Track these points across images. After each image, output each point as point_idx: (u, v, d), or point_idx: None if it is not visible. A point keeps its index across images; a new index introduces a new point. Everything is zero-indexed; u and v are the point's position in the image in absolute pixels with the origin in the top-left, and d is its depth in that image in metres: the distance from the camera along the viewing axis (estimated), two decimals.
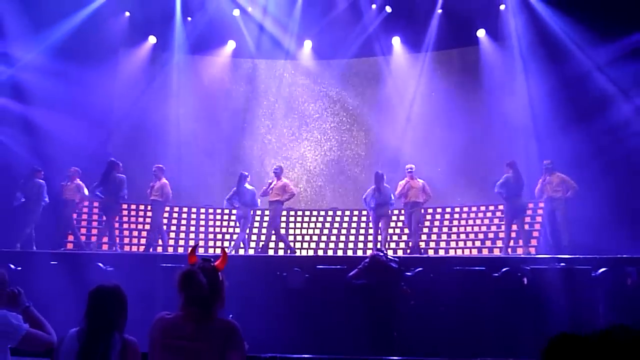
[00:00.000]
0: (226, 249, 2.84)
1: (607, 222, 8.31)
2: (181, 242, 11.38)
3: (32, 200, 9.13)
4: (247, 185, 9.50)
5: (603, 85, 9.74)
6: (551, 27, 10.60)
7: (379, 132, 13.31)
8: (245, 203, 9.42)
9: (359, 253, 10.99)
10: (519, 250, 9.69)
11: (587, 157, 9.07)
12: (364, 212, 12.33)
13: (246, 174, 9.70)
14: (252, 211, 9.97)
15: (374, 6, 12.87)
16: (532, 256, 8.68)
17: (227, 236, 11.79)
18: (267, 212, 11.06)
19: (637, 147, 9.07)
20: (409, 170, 9.51)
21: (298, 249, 11.43)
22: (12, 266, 6.32)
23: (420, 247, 9.95)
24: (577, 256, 7.60)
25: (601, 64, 9.81)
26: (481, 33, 12.55)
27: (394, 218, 11.55)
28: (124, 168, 9.86)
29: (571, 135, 9.28)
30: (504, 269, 6.78)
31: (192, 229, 12.08)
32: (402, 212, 10.23)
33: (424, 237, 11.23)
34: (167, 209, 11.39)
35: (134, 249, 10.48)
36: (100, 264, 6.90)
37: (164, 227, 10.61)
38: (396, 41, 13.36)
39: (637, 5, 8.96)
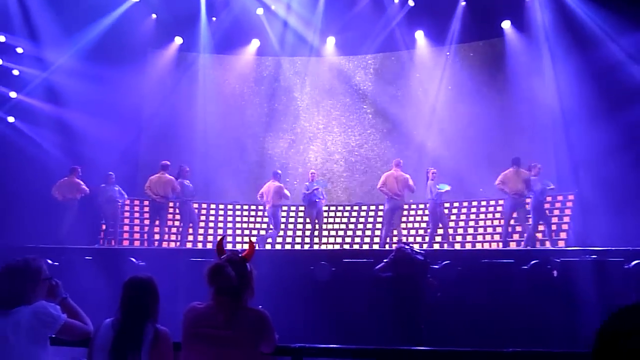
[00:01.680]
0: (253, 241, 2.89)
1: (638, 213, 8.11)
2: (210, 238, 11.56)
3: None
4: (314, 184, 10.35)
5: (635, 75, 9.45)
6: (579, 15, 10.32)
7: (404, 126, 13.23)
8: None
9: (385, 247, 10.97)
10: (547, 244, 9.54)
11: (618, 149, 8.84)
12: None
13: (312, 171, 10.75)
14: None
15: (396, 0, 12.80)
16: (562, 249, 8.54)
17: (255, 232, 11.93)
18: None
19: None
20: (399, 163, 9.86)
21: (324, 243, 11.50)
22: (50, 261, 6.54)
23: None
24: (609, 248, 7.45)
25: (632, 52, 9.52)
26: (506, 24, 12.33)
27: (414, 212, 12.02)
28: (154, 166, 10.11)
29: (601, 127, 9.05)
30: (532, 262, 6.70)
31: (220, 224, 12.27)
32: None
33: (450, 230, 11.14)
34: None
35: (164, 244, 10.71)
36: (132, 259, 7.10)
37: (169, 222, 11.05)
38: (419, 35, 13.26)
39: None
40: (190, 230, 10.26)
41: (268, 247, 9.98)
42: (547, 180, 9.28)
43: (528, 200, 9.25)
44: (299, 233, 11.68)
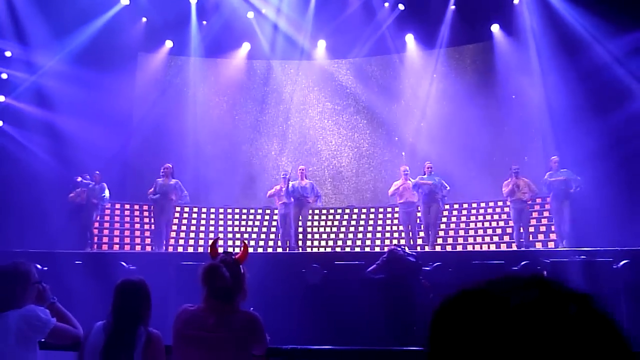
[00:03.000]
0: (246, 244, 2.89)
1: (626, 213, 8.21)
2: (201, 242, 11.52)
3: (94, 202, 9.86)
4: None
5: (621, 77, 9.59)
6: (567, 19, 10.46)
7: (395, 129, 13.29)
8: None
9: (377, 249, 11.01)
10: (538, 245, 9.63)
11: (605, 150, 8.95)
12: (381, 210, 12.36)
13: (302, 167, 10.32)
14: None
15: (386, 4, 12.86)
16: (552, 249, 8.63)
17: (246, 235, 11.92)
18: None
19: None
20: (405, 172, 9.79)
21: (316, 246, 11.50)
22: (39, 266, 6.46)
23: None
24: (598, 248, 7.53)
25: (618, 55, 9.65)
26: (495, 28, 12.44)
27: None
28: (144, 170, 10.06)
29: (589, 128, 9.17)
30: (523, 262, 6.76)
31: (212, 228, 12.23)
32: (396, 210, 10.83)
33: (441, 232, 11.20)
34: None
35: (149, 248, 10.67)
36: (123, 263, 7.06)
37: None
38: (410, 38, 13.33)
39: None
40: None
41: (260, 250, 9.98)
42: (560, 172, 9.10)
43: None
44: (299, 237, 11.71)
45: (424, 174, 9.59)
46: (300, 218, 9.76)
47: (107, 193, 10.01)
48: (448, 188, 9.69)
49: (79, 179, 9.93)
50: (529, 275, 0.63)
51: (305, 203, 9.80)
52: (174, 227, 11.60)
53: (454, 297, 0.65)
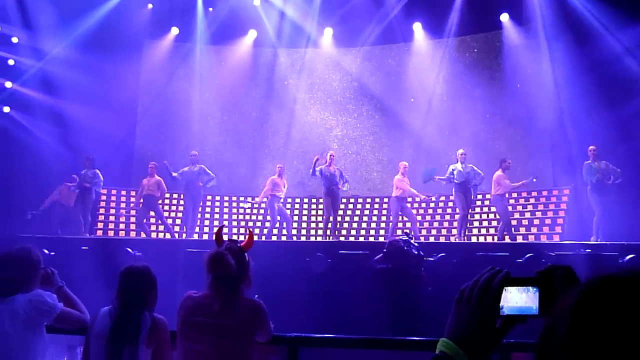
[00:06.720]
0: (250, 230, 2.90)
1: (635, 207, 8.15)
2: (206, 230, 11.56)
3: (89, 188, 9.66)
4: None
5: (632, 68, 9.48)
6: (577, 9, 10.32)
7: (401, 118, 13.20)
8: None
9: (381, 239, 11.01)
10: (543, 238, 9.60)
11: (615, 142, 8.87)
12: (385, 200, 12.33)
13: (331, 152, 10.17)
14: None
15: None
16: (557, 242, 8.59)
17: (251, 223, 11.95)
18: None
19: None
20: (405, 167, 9.74)
21: (320, 235, 11.51)
22: (46, 251, 6.53)
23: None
24: (604, 242, 7.50)
25: (630, 46, 9.54)
26: (504, 17, 12.28)
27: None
28: (151, 157, 10.08)
29: (598, 120, 9.08)
30: (527, 255, 6.74)
31: (217, 216, 12.27)
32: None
33: (445, 223, 11.19)
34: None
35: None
36: (129, 249, 7.11)
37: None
38: (417, 27, 13.19)
39: None
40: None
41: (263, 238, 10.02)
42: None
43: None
44: (304, 225, 11.74)
45: (457, 162, 9.29)
46: (332, 210, 9.76)
47: (101, 177, 9.87)
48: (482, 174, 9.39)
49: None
50: None
51: (337, 191, 9.68)
52: (179, 215, 11.65)
53: (595, 285, 0.65)
